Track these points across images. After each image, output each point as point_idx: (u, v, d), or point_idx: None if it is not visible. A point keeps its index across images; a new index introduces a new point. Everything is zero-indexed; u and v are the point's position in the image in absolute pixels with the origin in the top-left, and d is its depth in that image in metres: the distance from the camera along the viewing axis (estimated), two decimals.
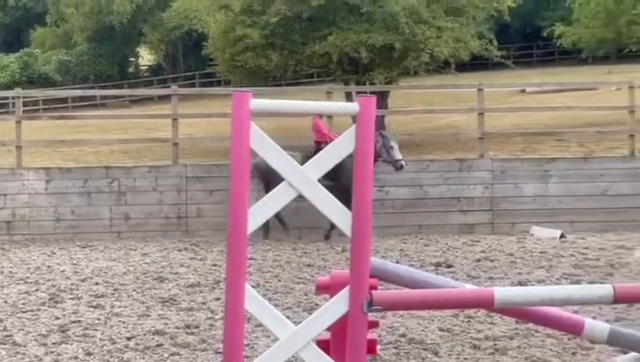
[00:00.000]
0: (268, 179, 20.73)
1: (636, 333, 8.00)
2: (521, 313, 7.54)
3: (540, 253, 18.49)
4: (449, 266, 16.81)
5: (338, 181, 21.11)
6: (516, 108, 36.61)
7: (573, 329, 7.53)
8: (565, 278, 15.14)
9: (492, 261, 17.51)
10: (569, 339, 10.09)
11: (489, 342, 10.49)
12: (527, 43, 74.64)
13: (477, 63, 49.74)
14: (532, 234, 21.91)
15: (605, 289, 7.25)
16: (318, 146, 21.32)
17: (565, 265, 16.68)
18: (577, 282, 14.37)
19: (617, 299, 7.27)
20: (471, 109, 26.60)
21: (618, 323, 11.15)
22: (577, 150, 28.86)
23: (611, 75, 52.30)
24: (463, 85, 32.68)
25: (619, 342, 7.55)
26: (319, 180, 21.71)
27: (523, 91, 47.23)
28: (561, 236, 21.19)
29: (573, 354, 9.91)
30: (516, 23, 61.73)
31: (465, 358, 9.81)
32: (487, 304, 7.28)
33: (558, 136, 31.17)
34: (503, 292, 7.24)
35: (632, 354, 7.46)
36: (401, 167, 21.46)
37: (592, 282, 14.07)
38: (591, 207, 23.31)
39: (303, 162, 21.40)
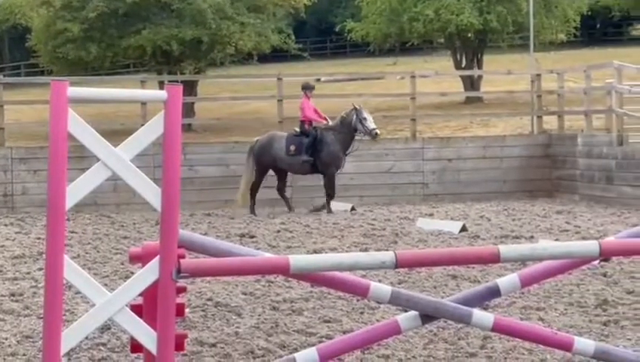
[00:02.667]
0: (260, 160, 21.28)
1: (415, 294, 8.16)
2: (314, 278, 7.62)
3: (334, 224, 18.69)
4: (252, 237, 16.84)
5: (318, 157, 21.20)
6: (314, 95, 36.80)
7: (360, 291, 7.64)
8: (355, 246, 15.30)
9: (291, 232, 17.62)
10: (357, 300, 10.22)
11: (287, 304, 10.56)
12: (321, 37, 75.13)
13: (277, 55, 49.85)
14: None
15: (388, 256, 7.37)
16: (302, 125, 21.48)
17: (355, 235, 16.89)
18: (365, 250, 14.56)
19: (399, 264, 7.40)
20: (271, 96, 26.74)
21: (400, 285, 11.37)
22: None
23: (396, 65, 53.18)
24: (264, 75, 32.83)
25: (400, 302, 7.68)
26: (302, 156, 21.25)
27: (318, 80, 47.47)
28: (352, 209, 21.47)
29: (361, 313, 10.05)
30: (312, 19, 62.15)
31: (265, 318, 9.85)
32: (283, 270, 7.34)
33: None
34: (297, 260, 7.30)
35: (412, 313, 7.59)
36: (376, 135, 21.21)
37: (379, 249, 14.29)
38: (378, 182, 23.75)
39: (288, 140, 21.43)
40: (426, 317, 7.63)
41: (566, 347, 7.65)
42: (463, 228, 17.07)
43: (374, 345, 8.15)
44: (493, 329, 7.70)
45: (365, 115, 21.16)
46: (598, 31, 72.00)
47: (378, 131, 21.28)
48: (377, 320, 9.20)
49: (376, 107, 34.73)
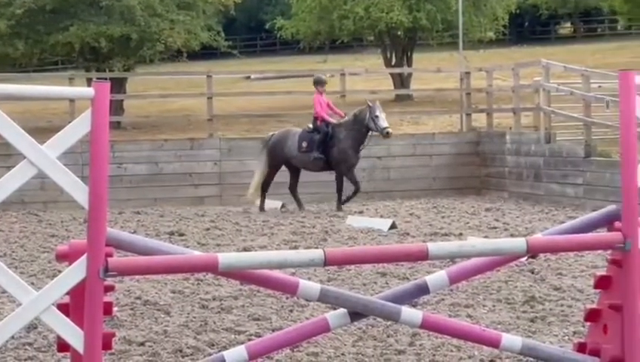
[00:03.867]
0: (273, 156, 20.92)
1: (344, 292, 8.18)
2: (243, 275, 7.61)
3: (263, 221, 18.67)
4: (181, 235, 16.77)
5: (329, 154, 20.85)
6: (242, 92, 36.83)
7: (289, 289, 7.65)
8: (285, 244, 15.29)
9: (220, 229, 17.58)
10: (287, 298, 10.21)
11: (216, 302, 10.54)
12: (252, 35, 75.08)
13: (207, 53, 49.77)
14: (257, 205, 22.10)
15: (317, 254, 7.39)
16: (315, 121, 21.01)
17: (285, 232, 16.89)
18: (295, 247, 14.56)
19: (328, 262, 7.42)
20: (201, 94, 26.62)
21: (330, 283, 11.39)
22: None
23: (326, 63, 53.25)
24: (194, 72, 32.71)
25: (329, 300, 7.70)
26: (314, 154, 20.59)
27: (248, 78, 47.52)
28: (282, 206, 21.47)
29: (291, 311, 10.05)
30: (242, 16, 62.04)
31: (194, 317, 9.82)
32: (212, 268, 7.32)
33: (279, 117, 31.52)
34: (226, 257, 7.29)
35: (341, 310, 7.61)
36: (387, 134, 20.67)
37: (308, 247, 14.29)
38: (307, 180, 23.69)
39: (300, 137, 20.78)
40: (355, 315, 7.65)
41: (494, 343, 7.71)
42: (393, 226, 17.14)
43: (303, 343, 8.16)
44: (421, 326, 7.74)
45: (378, 112, 20.49)
46: (527, 29, 72.68)
47: (390, 130, 20.74)
48: (307, 318, 9.22)
49: (306, 104, 34.74)
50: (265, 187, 21.19)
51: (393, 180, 24.24)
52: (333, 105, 21.43)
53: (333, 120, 20.90)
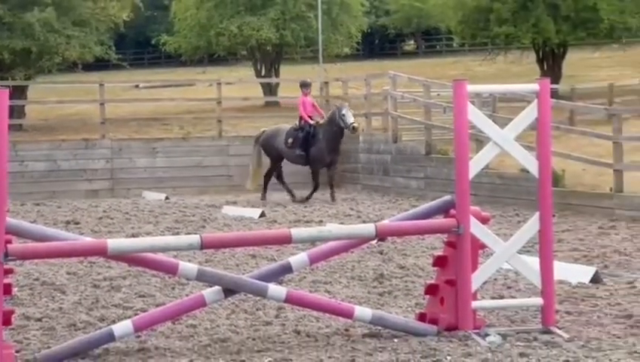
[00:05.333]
0: (267, 150, 20.40)
1: (219, 272, 8.13)
2: (130, 258, 7.50)
3: (149, 211, 18.44)
4: (76, 223, 16.44)
5: (307, 152, 20.11)
6: (131, 99, 36.43)
7: (171, 270, 7.56)
8: (168, 230, 15.11)
9: (111, 218, 17.29)
10: (169, 278, 10.07)
11: (107, 282, 10.35)
12: (140, 49, 74.12)
13: (100, 64, 48.70)
14: (144, 197, 21.88)
15: (195, 239, 7.34)
16: (300, 120, 20.27)
17: (169, 221, 16.69)
18: (177, 233, 14.38)
19: (204, 245, 7.38)
20: (94, 100, 26.22)
21: (207, 264, 11.27)
22: (179, 132, 28.94)
23: (205, 74, 52.80)
24: (88, 81, 32.15)
25: (205, 279, 7.64)
26: (297, 151, 19.66)
27: (137, 86, 46.84)
28: (166, 198, 21.26)
29: (173, 288, 9.93)
30: (131, 33, 61.00)
31: (87, 295, 9.63)
32: (101, 252, 7.21)
33: (163, 121, 31.25)
34: (114, 243, 7.19)
35: (216, 288, 7.56)
36: (354, 129, 19.79)
37: (188, 233, 14.12)
38: (189, 175, 23.61)
39: (287, 134, 19.77)
40: (229, 291, 7.61)
41: (348, 314, 7.75)
42: (262, 214, 17.08)
43: (183, 317, 8.06)
44: (286, 301, 7.75)
45: (344, 111, 19.64)
46: (377, 46, 73.19)
47: (356, 125, 19.87)
48: (187, 295, 9.09)
49: (188, 110, 34.56)
50: (267, 178, 20.72)
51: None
52: (317, 106, 20.88)
53: (314, 120, 20.22)
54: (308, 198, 20.12)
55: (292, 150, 20.12)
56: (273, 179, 20.86)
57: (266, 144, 20.61)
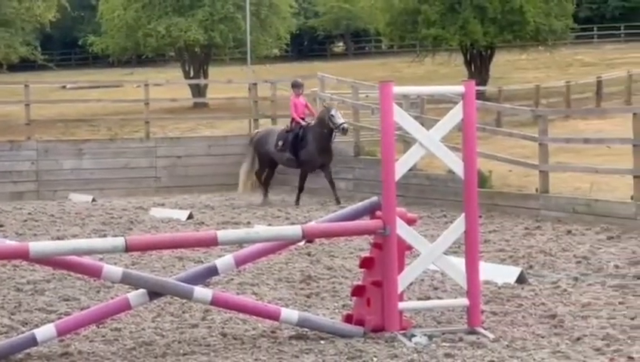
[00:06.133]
0: (258, 152, 19.82)
1: (144, 274, 8.04)
2: (54, 261, 7.38)
3: (76, 213, 18.21)
4: (1, 226, 16.17)
5: (297, 156, 19.49)
6: (58, 100, 35.97)
7: (95, 273, 7.47)
8: (95, 233, 14.93)
9: (37, 221, 17.04)
10: (95, 281, 9.91)
11: (30, 286, 10.18)
12: (67, 50, 73.32)
13: (26, 65, 48.18)
14: (70, 199, 21.62)
15: (119, 241, 7.25)
16: (291, 122, 19.74)
17: (95, 223, 16.50)
18: (103, 236, 14.18)
19: (129, 248, 7.28)
20: (19, 101, 25.84)
21: (134, 266, 11.16)
22: (106, 133, 28.69)
23: (133, 75, 52.41)
24: (13, 82, 31.68)
25: (130, 282, 7.55)
26: (287, 154, 19.00)
27: (64, 87, 46.31)
28: (93, 200, 21.02)
29: (98, 291, 9.80)
30: (57, 33, 60.41)
31: (9, 299, 9.45)
32: (23, 255, 7.08)
33: (91, 122, 30.97)
34: (36, 246, 7.08)
35: (141, 290, 7.47)
36: (344, 130, 19.03)
37: (115, 236, 13.94)
38: (116, 177, 23.39)
39: (278, 136, 18.39)
40: (154, 294, 7.53)
41: (274, 317, 7.71)
42: (190, 216, 16.97)
43: (108, 320, 7.95)
44: (212, 303, 7.69)
45: (333, 112, 19.00)
46: (306, 47, 73.32)
47: (346, 126, 19.15)
48: (112, 298, 8.98)
49: (116, 111, 34.27)
50: (266, 180, 20.20)
51: (191, 176, 24.05)
52: (310, 107, 20.20)
53: (306, 121, 19.64)
54: (297, 203, 19.56)
55: (282, 153, 19.63)
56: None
57: (258, 147, 20.13)
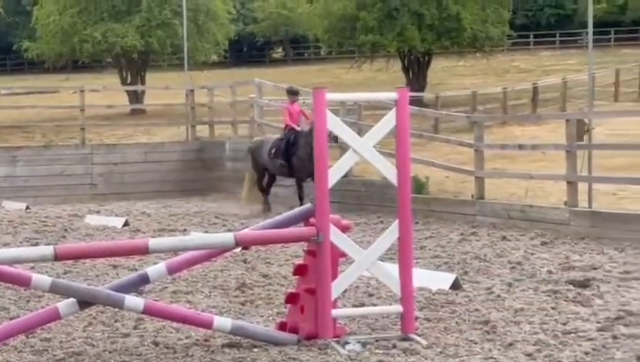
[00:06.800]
0: (254, 161, 19.23)
1: (73, 284, 7.94)
2: None
3: (8, 221, 17.92)
4: None
5: (289, 162, 18.77)
6: None
7: (23, 282, 7.36)
8: (27, 241, 14.70)
9: None
10: (25, 290, 9.75)
11: None
12: (1, 55, 72.37)
13: None
14: (3, 207, 21.30)
15: (48, 250, 7.15)
16: (285, 129, 18.93)
17: (28, 231, 16.26)
18: (36, 244, 13.96)
19: (58, 257, 7.17)
20: None
21: (66, 275, 11.03)
22: (40, 140, 28.35)
23: (69, 81, 51.90)
24: None
25: (60, 291, 7.46)
26: (279, 160, 17.92)
27: None
28: (27, 208, 20.73)
29: (28, 301, 9.64)
30: None
31: None
32: None
33: (25, 129, 30.60)
34: None
35: (71, 300, 7.37)
36: (335, 138, 17.59)
37: (48, 243, 13.73)
38: (51, 184, 23.13)
39: (272, 143, 17.65)
40: (84, 303, 7.44)
41: (207, 325, 7.66)
42: (126, 223, 16.82)
43: (37, 330, 7.83)
44: (144, 312, 7.62)
45: None
46: (245, 53, 73.07)
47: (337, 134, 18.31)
48: (42, 307, 8.84)
49: (51, 117, 33.87)
50: (266, 189, 19.38)
51: (128, 183, 23.85)
52: (306, 114, 18.92)
53: (300, 127, 18.63)
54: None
55: (274, 160, 18.87)
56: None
57: (254, 155, 19.57)
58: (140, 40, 40.18)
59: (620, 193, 16.34)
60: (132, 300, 7.48)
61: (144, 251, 7.68)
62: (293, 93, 19.06)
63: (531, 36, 65.41)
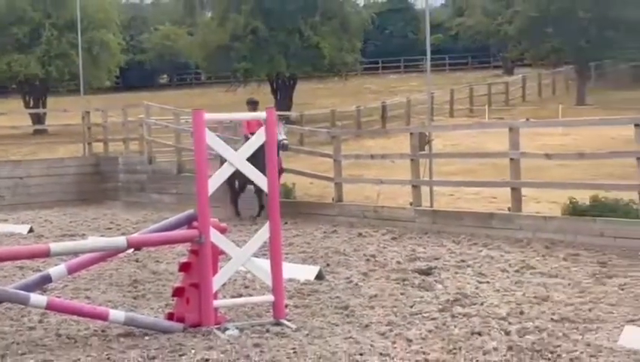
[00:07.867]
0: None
1: None
2: None
3: None
4: None
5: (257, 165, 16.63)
6: None
7: None
8: None
9: None
10: None
11: None
12: None
13: None
14: None
15: None
16: (245, 138, 16.14)
17: None
18: None
19: None
20: None
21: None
22: None
23: None
24: None
25: None
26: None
27: None
28: None
29: None
30: None
31: None
32: None
33: None
34: None
35: None
36: (284, 146, 16.02)
37: None
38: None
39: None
40: None
41: (103, 317, 7.52)
42: (31, 230, 16.37)
43: None
44: (47, 308, 7.45)
45: (280, 128, 15.86)
46: (135, 79, 71.77)
47: (286, 142, 16.39)
48: None
49: None
50: (233, 199, 17.52)
51: (32, 194, 23.15)
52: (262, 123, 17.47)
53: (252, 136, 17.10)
54: (259, 215, 16.94)
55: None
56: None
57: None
58: (41, 69, 39.45)
59: (456, 194, 16.72)
60: (37, 297, 7.29)
61: (46, 254, 7.48)
62: (252, 104, 17.84)
63: (380, 62, 66.35)
